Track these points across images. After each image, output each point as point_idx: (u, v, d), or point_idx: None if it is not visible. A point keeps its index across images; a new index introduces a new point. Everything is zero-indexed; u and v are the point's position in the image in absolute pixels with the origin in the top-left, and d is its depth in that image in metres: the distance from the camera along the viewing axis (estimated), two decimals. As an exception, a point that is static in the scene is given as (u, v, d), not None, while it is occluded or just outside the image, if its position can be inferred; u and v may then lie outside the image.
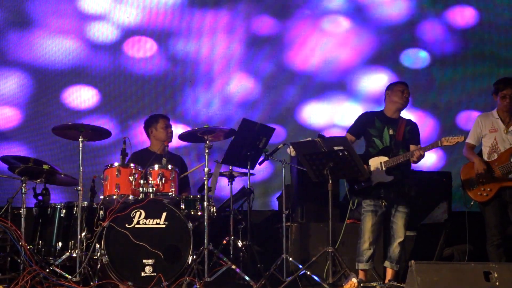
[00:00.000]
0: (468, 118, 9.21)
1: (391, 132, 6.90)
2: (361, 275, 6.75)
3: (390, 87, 7.03)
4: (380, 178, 6.77)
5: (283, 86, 9.22)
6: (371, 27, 9.40)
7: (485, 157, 6.91)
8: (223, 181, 7.69)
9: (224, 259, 6.71)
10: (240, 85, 9.14)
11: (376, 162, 6.80)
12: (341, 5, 9.40)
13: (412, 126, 6.97)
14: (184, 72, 9.08)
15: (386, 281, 6.83)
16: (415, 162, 6.72)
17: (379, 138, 6.91)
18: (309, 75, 9.26)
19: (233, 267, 6.66)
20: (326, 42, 9.31)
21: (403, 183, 6.79)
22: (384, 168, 6.75)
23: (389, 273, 6.87)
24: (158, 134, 7.59)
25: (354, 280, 6.34)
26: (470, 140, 7.00)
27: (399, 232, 6.82)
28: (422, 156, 6.64)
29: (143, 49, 9.01)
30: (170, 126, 7.64)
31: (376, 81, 9.21)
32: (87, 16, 8.85)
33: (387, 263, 6.89)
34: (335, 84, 9.28)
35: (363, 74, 9.34)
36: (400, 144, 6.85)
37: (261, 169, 7.93)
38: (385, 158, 6.78)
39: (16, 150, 8.34)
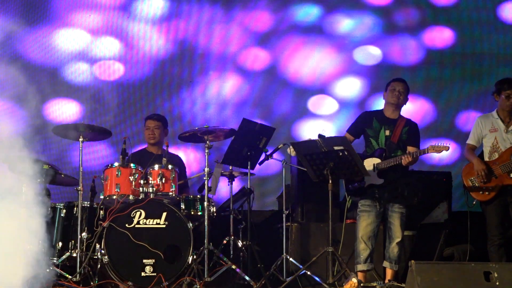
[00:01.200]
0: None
1: (387, 133, 6.89)
2: (360, 276, 6.69)
3: (386, 86, 7.03)
4: (371, 180, 6.78)
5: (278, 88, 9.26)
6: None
7: (486, 157, 6.91)
8: (223, 181, 7.69)
9: (224, 259, 6.71)
10: (234, 85, 9.16)
11: (369, 164, 6.79)
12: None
13: (410, 127, 6.93)
14: (182, 73, 9.09)
15: (386, 281, 6.83)
16: (406, 165, 6.71)
17: (375, 139, 6.91)
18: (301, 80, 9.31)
19: (233, 267, 6.66)
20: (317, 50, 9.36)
21: (397, 183, 6.79)
22: (376, 170, 6.75)
23: (389, 273, 6.87)
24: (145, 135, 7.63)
25: (354, 280, 6.33)
26: (470, 141, 7.01)
27: (396, 232, 6.81)
28: (410, 162, 6.63)
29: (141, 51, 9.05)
30: (155, 127, 7.56)
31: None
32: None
33: (386, 263, 6.88)
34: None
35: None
36: (395, 146, 6.84)
37: (261, 169, 7.92)
38: (377, 160, 6.78)
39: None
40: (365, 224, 6.79)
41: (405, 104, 6.99)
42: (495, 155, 6.84)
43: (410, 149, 6.80)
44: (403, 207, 6.81)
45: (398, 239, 6.81)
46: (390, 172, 6.75)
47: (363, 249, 6.77)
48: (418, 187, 6.91)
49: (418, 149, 6.77)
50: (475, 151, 7.02)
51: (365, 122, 6.98)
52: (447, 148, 6.53)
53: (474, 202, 6.90)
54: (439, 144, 6.54)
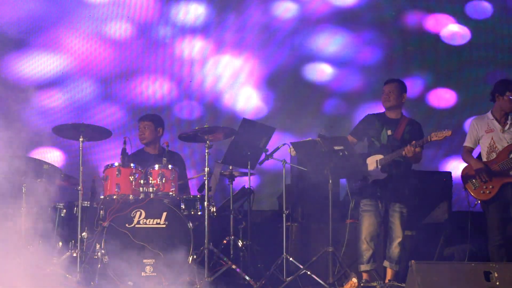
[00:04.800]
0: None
1: (389, 132, 6.89)
2: (364, 276, 6.74)
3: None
4: (375, 176, 6.78)
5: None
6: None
7: (484, 157, 6.91)
8: (223, 181, 7.69)
9: (224, 259, 6.71)
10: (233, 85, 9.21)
11: (372, 160, 6.81)
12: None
13: (412, 126, 6.94)
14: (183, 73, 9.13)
15: (386, 281, 6.83)
16: (411, 158, 6.69)
17: (377, 139, 6.91)
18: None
19: (233, 267, 6.66)
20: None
21: (399, 182, 6.78)
22: (379, 166, 6.75)
23: (389, 273, 6.87)
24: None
25: (354, 280, 6.35)
26: (467, 143, 7.01)
27: (397, 232, 6.81)
28: (412, 151, 6.60)
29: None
30: (145, 127, 7.49)
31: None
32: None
33: (386, 263, 6.88)
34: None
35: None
36: (398, 143, 6.84)
37: (261, 169, 7.92)
38: (380, 156, 6.79)
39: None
40: (367, 224, 6.79)
41: (401, 102, 6.97)
42: (493, 155, 6.84)
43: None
44: (404, 206, 6.81)
45: (399, 239, 6.81)
46: (393, 167, 6.74)
47: (365, 250, 6.77)
48: (419, 187, 6.92)
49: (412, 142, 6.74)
50: (472, 153, 7.03)
51: (367, 124, 6.98)
52: (449, 133, 6.53)
53: (476, 203, 6.89)
54: (441, 131, 6.55)
